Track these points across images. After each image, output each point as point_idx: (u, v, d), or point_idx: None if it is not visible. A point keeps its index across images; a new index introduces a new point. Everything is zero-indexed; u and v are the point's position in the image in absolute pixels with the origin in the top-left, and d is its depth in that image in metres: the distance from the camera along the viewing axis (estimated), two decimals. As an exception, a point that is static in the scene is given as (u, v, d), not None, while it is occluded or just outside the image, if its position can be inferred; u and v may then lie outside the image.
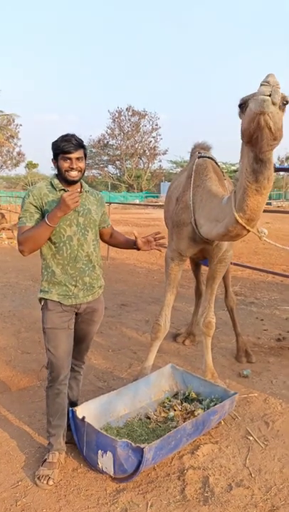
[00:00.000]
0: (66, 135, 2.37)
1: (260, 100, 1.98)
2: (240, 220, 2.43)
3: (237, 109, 2.27)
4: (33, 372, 3.81)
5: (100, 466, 2.42)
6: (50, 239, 2.41)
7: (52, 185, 2.45)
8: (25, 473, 2.48)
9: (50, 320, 2.49)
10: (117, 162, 50.34)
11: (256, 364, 4.02)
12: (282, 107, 2.08)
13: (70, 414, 2.57)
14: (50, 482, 2.39)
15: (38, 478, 2.41)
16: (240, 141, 2.33)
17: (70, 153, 2.33)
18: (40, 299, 2.53)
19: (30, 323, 5.15)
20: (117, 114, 47.38)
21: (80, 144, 2.37)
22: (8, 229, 13.88)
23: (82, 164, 2.41)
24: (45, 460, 2.51)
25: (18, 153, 49.11)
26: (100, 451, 2.39)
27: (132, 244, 2.74)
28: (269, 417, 3.09)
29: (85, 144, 2.47)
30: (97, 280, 2.58)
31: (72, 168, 2.37)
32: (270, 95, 1.96)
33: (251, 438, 2.84)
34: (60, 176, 2.43)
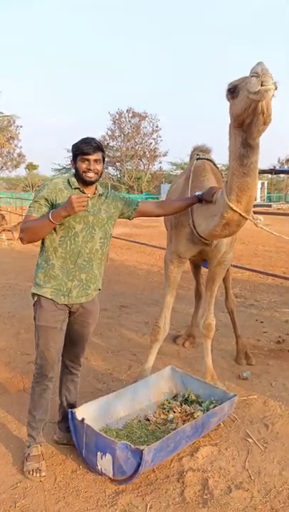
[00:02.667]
0: (86, 138, 2.46)
1: (258, 88, 2.00)
2: (231, 204, 2.45)
3: (226, 93, 2.31)
4: (32, 373, 3.80)
5: (99, 467, 2.41)
6: (56, 232, 2.45)
7: (69, 182, 2.50)
8: (25, 475, 2.48)
9: (43, 317, 2.50)
10: (117, 163, 50.38)
11: (256, 366, 4.02)
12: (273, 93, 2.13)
13: (70, 416, 2.57)
14: (43, 473, 2.45)
15: (29, 472, 2.45)
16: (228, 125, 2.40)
17: (88, 154, 2.41)
18: (34, 295, 2.54)
19: (29, 324, 5.13)
20: (117, 115, 47.44)
21: (98, 147, 2.45)
22: (8, 230, 13.86)
23: (99, 166, 2.47)
24: (28, 454, 2.53)
25: (19, 155, 49.12)
26: (99, 453, 2.39)
27: (197, 201, 2.85)
28: (268, 420, 3.09)
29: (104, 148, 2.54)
30: (94, 281, 2.58)
31: (89, 170, 2.43)
32: (262, 83, 1.99)
33: (251, 440, 2.84)
34: (78, 176, 2.49)
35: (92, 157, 2.42)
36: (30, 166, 54.74)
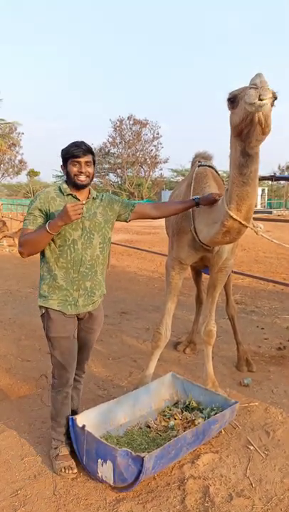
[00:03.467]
0: (75, 141, 2.45)
1: (253, 99, 2.01)
2: (231, 213, 2.46)
3: (226, 103, 2.33)
4: (33, 380, 3.80)
5: (99, 475, 2.40)
6: (54, 242, 2.44)
7: (60, 189, 2.50)
8: (25, 482, 2.47)
9: (54, 329, 2.52)
10: (118, 170, 50.52)
11: (257, 373, 4.01)
12: (272, 103, 2.14)
13: (70, 423, 2.56)
14: (75, 471, 2.52)
15: (61, 470, 2.51)
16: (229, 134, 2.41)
17: (78, 157, 2.40)
18: (41, 307, 2.55)
19: (30, 330, 5.14)
20: (118, 122, 47.65)
21: (88, 150, 2.44)
22: (10, 236, 13.87)
23: (90, 169, 2.46)
24: (57, 454, 2.59)
25: (20, 162, 49.31)
26: (99, 460, 2.38)
27: (193, 205, 2.83)
28: (270, 427, 3.08)
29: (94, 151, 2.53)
30: (99, 287, 2.59)
31: (81, 173, 2.42)
32: (260, 97, 2.00)
33: (252, 447, 2.82)
34: (69, 180, 2.47)
35: (82, 159, 2.40)
36: (32, 173, 54.87)
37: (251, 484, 2.47)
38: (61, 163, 2.49)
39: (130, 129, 47.91)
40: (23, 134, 46.10)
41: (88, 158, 2.43)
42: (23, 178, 55.26)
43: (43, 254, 2.50)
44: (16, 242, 13.30)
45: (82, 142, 2.44)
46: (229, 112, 2.35)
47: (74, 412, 2.75)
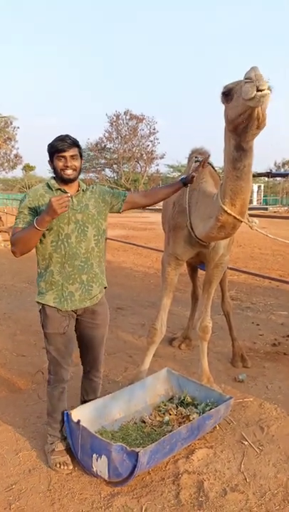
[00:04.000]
0: (60, 135, 2.41)
1: (254, 94, 1.99)
2: (225, 208, 2.46)
3: (221, 97, 2.31)
4: (28, 375, 3.80)
5: (94, 469, 2.41)
6: (47, 238, 2.43)
7: (48, 185, 2.48)
8: (19, 477, 2.47)
9: (49, 325, 2.52)
10: (114, 166, 50.36)
11: (252, 369, 4.03)
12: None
13: (65, 418, 2.56)
14: (70, 467, 2.52)
15: (56, 465, 2.51)
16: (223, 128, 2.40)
17: (64, 151, 2.37)
18: (38, 303, 2.56)
19: (25, 325, 5.13)
20: (114, 117, 47.42)
21: (74, 143, 2.41)
22: (5, 231, 13.82)
23: (77, 163, 2.43)
24: (53, 450, 2.59)
25: (16, 156, 48.93)
26: (94, 455, 2.38)
27: (181, 186, 2.74)
28: (264, 422, 3.09)
29: (80, 144, 2.49)
30: (96, 280, 2.57)
31: (67, 167, 2.39)
32: (258, 89, 1.98)
33: (246, 443, 2.84)
34: (57, 175, 2.46)
35: (67, 153, 2.38)
36: (27, 168, 54.58)
37: (245, 479, 2.48)
38: (48, 158, 2.46)
39: (127, 124, 47.70)
40: (18, 128, 45.64)
41: (74, 151, 2.40)
42: (18, 172, 54.97)
43: (37, 252, 2.50)
44: (11, 236, 13.26)
45: (67, 135, 2.41)
46: (224, 106, 2.34)
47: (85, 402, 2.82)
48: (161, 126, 78.12)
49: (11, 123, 43.24)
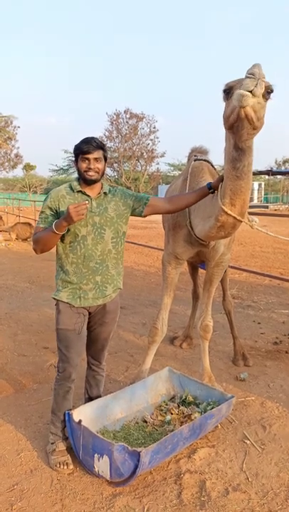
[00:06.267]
0: (86, 138, 2.47)
1: (238, 95, 1.99)
2: (225, 208, 2.44)
3: (222, 94, 2.29)
4: (29, 374, 3.79)
5: (96, 469, 2.40)
6: (65, 239, 2.50)
7: (71, 187, 2.54)
8: (21, 477, 2.47)
9: (61, 321, 2.58)
10: (114, 164, 50.28)
11: (253, 367, 4.02)
12: (266, 96, 2.09)
13: (67, 418, 2.56)
14: (70, 466, 2.51)
15: (57, 465, 2.52)
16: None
17: (88, 153, 2.42)
18: (54, 299, 2.63)
19: (26, 325, 5.13)
20: (115, 116, 47.35)
21: (99, 146, 2.46)
22: (5, 231, 13.83)
23: (100, 165, 2.48)
24: (54, 450, 2.60)
25: (16, 155, 48.96)
26: (96, 455, 2.38)
27: (207, 192, 2.63)
28: (266, 421, 3.08)
29: (106, 147, 2.54)
30: (111, 281, 2.61)
31: (90, 168, 2.44)
32: (256, 86, 1.96)
33: (248, 442, 2.83)
34: (80, 176, 2.51)
35: (92, 156, 2.43)
36: (28, 167, 54.60)
37: (247, 478, 2.48)
38: (74, 159, 2.52)
39: (127, 122, 47.64)
40: (19, 127, 45.72)
41: (98, 154, 2.45)
42: (19, 172, 55.10)
43: (56, 250, 2.57)
44: (12, 236, 13.28)
45: (93, 138, 2.46)
46: (224, 104, 2.32)
47: (91, 399, 2.85)
48: (161, 125, 78.06)
49: (11, 122, 43.26)
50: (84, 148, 2.42)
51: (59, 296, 2.56)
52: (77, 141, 2.48)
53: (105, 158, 2.51)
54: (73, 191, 2.52)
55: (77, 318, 2.58)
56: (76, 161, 2.49)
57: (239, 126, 2.15)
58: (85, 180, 2.49)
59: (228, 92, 2.22)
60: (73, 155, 2.51)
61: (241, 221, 2.52)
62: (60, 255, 2.56)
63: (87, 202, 2.38)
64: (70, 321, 2.57)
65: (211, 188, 2.61)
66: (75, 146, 2.47)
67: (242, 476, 2.50)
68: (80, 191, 2.51)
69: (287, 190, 45.42)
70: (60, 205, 2.48)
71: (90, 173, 2.45)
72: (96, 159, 2.45)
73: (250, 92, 1.97)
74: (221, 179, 2.56)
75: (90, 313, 2.64)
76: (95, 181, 2.49)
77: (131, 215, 2.68)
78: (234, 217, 2.47)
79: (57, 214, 2.48)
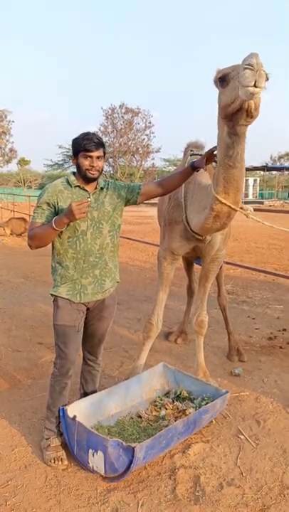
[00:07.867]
0: (88, 133, 2.44)
1: (246, 91, 1.96)
2: (219, 197, 2.44)
3: (216, 82, 2.28)
4: (23, 370, 3.78)
5: (90, 465, 2.40)
6: (64, 234, 2.46)
7: (68, 181, 2.50)
8: (15, 473, 2.46)
9: (60, 317, 2.56)
10: (110, 159, 50.13)
11: (248, 363, 4.03)
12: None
13: (61, 413, 2.55)
14: (65, 462, 2.51)
15: (51, 461, 2.51)
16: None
17: (91, 151, 2.39)
18: (52, 295, 2.60)
19: (21, 321, 5.11)
20: (110, 111, 47.10)
21: (100, 143, 2.43)
22: (0, 226, 13.75)
23: (101, 163, 2.47)
24: (48, 445, 2.59)
25: (10, 150, 48.57)
26: (90, 451, 2.37)
27: (191, 171, 2.65)
28: (260, 416, 3.09)
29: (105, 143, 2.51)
30: (109, 274, 2.61)
31: (92, 167, 2.41)
32: (255, 82, 1.93)
33: (242, 437, 2.84)
34: (80, 173, 2.48)
35: (94, 154, 2.40)
36: (22, 162, 54.27)
37: (242, 473, 2.49)
38: (69, 154, 2.46)
39: (122, 117, 47.43)
40: (13, 122, 45.37)
41: (100, 152, 2.43)
42: (13, 166, 54.69)
43: (53, 246, 2.54)
44: (7, 231, 13.20)
45: (94, 135, 2.43)
46: (218, 91, 2.30)
47: (86, 394, 2.85)
48: (156, 120, 77.85)
49: (6, 117, 42.95)
50: (87, 146, 2.38)
51: (58, 291, 2.54)
52: (74, 136, 2.45)
53: (104, 155, 2.50)
54: (71, 186, 2.49)
55: (77, 314, 2.57)
56: (76, 157, 2.45)
57: (238, 115, 2.15)
58: (85, 178, 2.46)
59: (223, 79, 2.20)
60: (71, 149, 2.48)
61: (236, 210, 2.52)
62: (58, 251, 2.52)
63: (89, 199, 2.37)
64: (69, 318, 2.55)
65: (196, 168, 2.63)
66: (76, 141, 2.43)
67: (236, 471, 2.50)
68: (78, 186, 2.49)
69: (282, 186, 45.53)
70: (58, 200, 2.44)
71: (92, 172, 2.43)
72: (98, 157, 2.43)
73: (255, 86, 1.94)
74: (206, 157, 2.59)
75: (88, 309, 2.63)
76: (95, 179, 2.49)
77: (125, 205, 2.67)
78: (229, 206, 2.47)
79: (54, 209, 2.45)
